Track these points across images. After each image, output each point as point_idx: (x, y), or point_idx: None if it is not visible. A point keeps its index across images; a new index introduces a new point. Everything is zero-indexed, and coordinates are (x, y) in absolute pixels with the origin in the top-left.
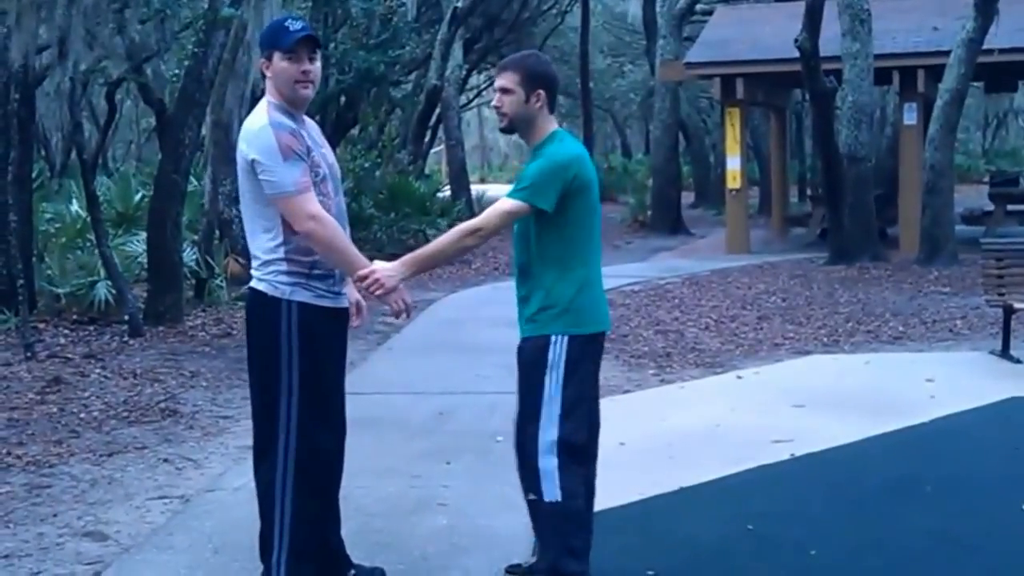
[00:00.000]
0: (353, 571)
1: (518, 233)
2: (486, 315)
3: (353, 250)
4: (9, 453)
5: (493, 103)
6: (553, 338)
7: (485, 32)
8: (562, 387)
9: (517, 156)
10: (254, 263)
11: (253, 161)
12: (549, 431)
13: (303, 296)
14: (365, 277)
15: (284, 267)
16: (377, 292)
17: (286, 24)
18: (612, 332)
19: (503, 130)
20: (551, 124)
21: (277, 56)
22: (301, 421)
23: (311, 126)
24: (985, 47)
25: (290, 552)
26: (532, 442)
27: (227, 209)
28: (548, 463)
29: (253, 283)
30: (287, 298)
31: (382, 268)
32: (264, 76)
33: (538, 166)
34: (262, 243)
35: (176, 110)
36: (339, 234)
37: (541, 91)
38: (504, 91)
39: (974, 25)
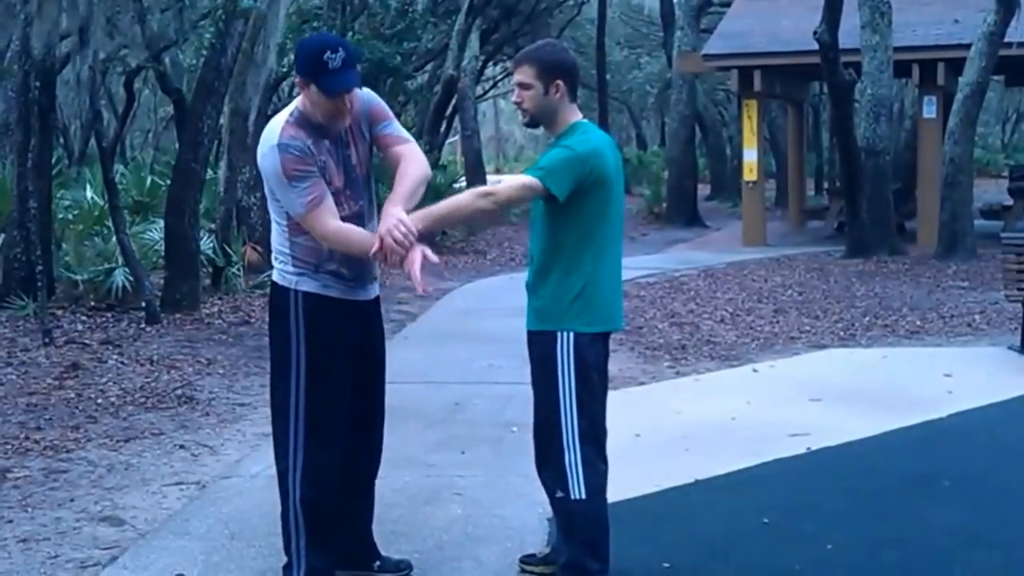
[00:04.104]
0: (378, 563)
1: (533, 221)
2: (502, 305)
3: (366, 242)
4: (27, 438)
5: (513, 99)
6: (559, 334)
7: (502, 23)
8: (575, 383)
9: (532, 147)
10: (273, 253)
11: (263, 176)
12: (571, 428)
13: (309, 286)
14: (379, 250)
15: (290, 260)
16: (394, 259)
17: (325, 59)
18: (628, 324)
19: (527, 124)
20: (574, 114)
21: (314, 89)
22: (310, 411)
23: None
24: (1006, 40)
25: (308, 540)
26: (556, 440)
27: (245, 197)
28: (573, 460)
29: (272, 272)
30: (294, 287)
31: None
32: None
33: (557, 154)
34: (276, 236)
35: (195, 99)
36: (354, 241)
37: (560, 81)
38: (522, 86)
39: (995, 18)
